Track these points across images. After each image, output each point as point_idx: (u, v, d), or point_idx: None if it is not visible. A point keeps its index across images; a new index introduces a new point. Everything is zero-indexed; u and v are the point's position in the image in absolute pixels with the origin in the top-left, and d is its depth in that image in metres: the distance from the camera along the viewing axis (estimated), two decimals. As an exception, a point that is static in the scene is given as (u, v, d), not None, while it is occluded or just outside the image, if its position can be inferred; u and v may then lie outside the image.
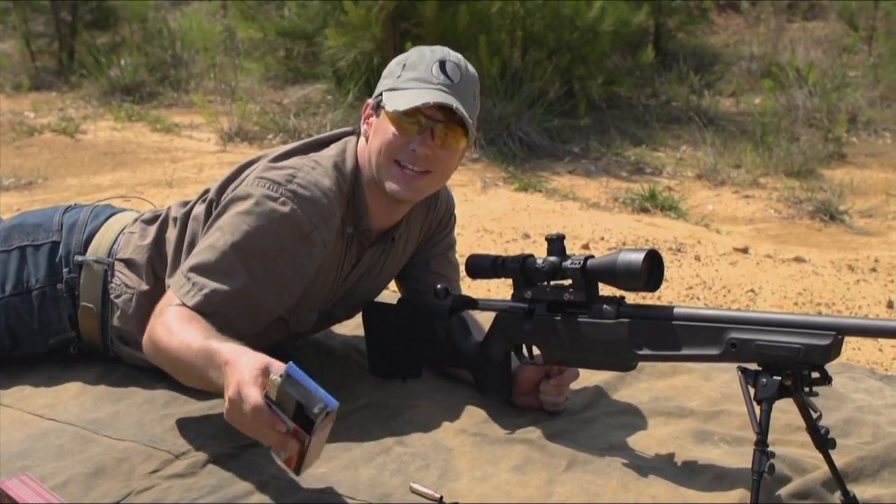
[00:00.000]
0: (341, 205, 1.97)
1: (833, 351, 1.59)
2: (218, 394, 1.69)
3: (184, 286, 1.88)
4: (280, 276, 1.91)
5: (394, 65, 2.02)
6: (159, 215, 2.21)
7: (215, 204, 2.03)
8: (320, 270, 1.99)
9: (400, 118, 1.92)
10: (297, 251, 1.91)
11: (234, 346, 1.68)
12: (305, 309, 2.08)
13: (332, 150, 2.04)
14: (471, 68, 2.01)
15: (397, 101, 1.92)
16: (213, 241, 1.90)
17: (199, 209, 2.08)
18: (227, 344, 1.70)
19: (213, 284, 1.86)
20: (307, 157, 2.00)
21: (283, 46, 7.85)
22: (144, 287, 2.12)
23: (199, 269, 1.89)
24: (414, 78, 1.95)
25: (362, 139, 2.05)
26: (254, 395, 1.56)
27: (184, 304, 1.86)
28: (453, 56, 1.99)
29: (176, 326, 1.81)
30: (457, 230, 2.39)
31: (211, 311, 1.85)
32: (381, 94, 1.98)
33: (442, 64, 1.95)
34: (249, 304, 1.90)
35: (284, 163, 1.99)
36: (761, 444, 1.57)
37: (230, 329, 1.87)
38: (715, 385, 2.20)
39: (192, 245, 2.05)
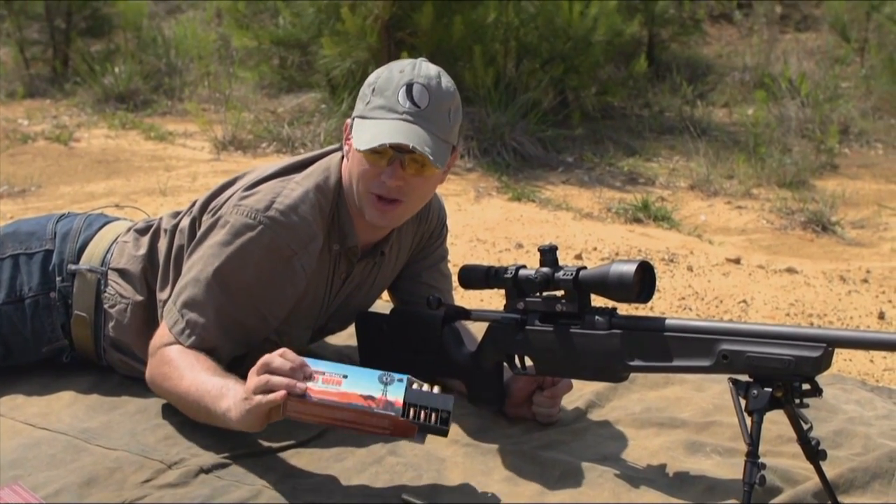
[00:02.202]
0: (324, 225, 1.97)
1: (823, 363, 1.60)
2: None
3: (178, 323, 1.93)
4: (265, 302, 1.95)
5: (366, 86, 1.96)
6: (152, 225, 2.21)
7: (198, 222, 2.05)
8: (309, 289, 2.00)
9: (367, 154, 1.89)
10: (278, 277, 1.93)
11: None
12: (298, 328, 2.09)
13: (315, 168, 2.03)
14: (444, 83, 1.92)
15: (360, 137, 1.89)
16: (196, 274, 1.93)
17: (185, 222, 2.10)
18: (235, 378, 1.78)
19: (202, 320, 1.91)
20: (287, 179, 1.99)
21: (278, 55, 7.85)
22: (139, 298, 2.13)
23: (189, 305, 1.92)
24: (380, 106, 1.90)
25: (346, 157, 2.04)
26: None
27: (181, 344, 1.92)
28: (422, 76, 1.90)
29: (184, 363, 1.88)
30: (450, 239, 2.39)
31: (209, 347, 1.91)
32: (354, 119, 1.96)
33: (409, 88, 1.88)
34: (240, 331, 1.95)
35: (263, 186, 1.98)
36: (752, 455, 1.58)
37: (225, 353, 1.95)
38: (707, 396, 2.21)
39: (178, 257, 2.07)
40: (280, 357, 1.67)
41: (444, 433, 1.68)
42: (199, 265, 1.94)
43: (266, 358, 1.68)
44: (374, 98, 1.91)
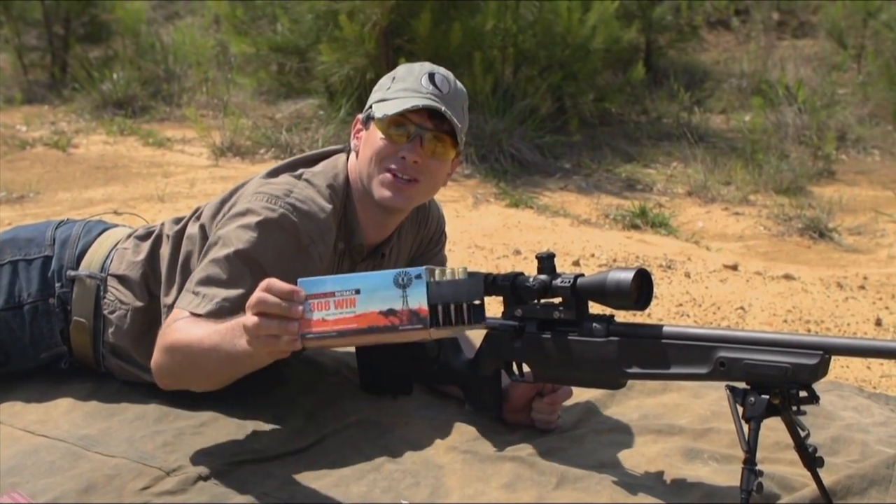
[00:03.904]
0: (335, 221, 1.99)
1: (820, 370, 1.61)
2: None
3: (192, 300, 1.89)
4: None
5: (384, 79, 2.06)
6: (152, 231, 2.22)
7: (208, 228, 2.05)
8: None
9: (389, 127, 1.95)
10: (295, 263, 1.93)
11: None
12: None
13: (324, 166, 2.06)
14: (459, 83, 2.04)
15: (386, 109, 1.95)
16: (215, 255, 1.92)
17: (193, 229, 2.09)
18: None
19: (222, 293, 1.87)
20: (300, 174, 2.03)
21: (276, 61, 7.85)
22: (139, 304, 2.13)
23: (206, 282, 1.90)
24: (403, 88, 1.98)
25: (352, 155, 2.07)
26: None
27: (195, 314, 1.86)
28: (442, 70, 2.03)
29: (192, 326, 1.83)
30: (448, 246, 2.40)
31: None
32: (370, 107, 2.01)
33: (431, 76, 1.99)
34: None
35: (278, 179, 2.01)
36: (750, 462, 1.58)
37: None
38: (704, 403, 2.21)
39: (186, 264, 2.07)
40: (269, 294, 1.59)
41: (483, 325, 1.58)
42: (217, 249, 1.93)
43: (258, 296, 1.60)
44: (396, 84, 2.00)
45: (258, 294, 1.61)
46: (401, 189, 1.97)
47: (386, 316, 1.54)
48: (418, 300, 1.53)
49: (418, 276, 1.54)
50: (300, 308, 1.57)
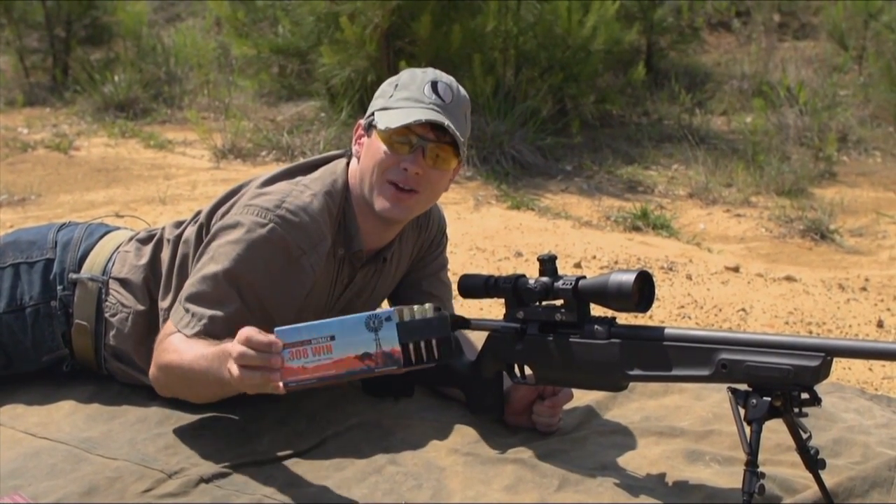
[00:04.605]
0: (331, 228, 1.99)
1: (822, 372, 1.61)
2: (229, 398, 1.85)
3: (183, 318, 1.93)
4: (271, 301, 1.95)
5: (386, 85, 2.05)
6: (154, 235, 2.22)
7: (205, 229, 2.06)
8: (312, 292, 2.01)
9: (391, 137, 1.95)
10: (286, 276, 1.93)
11: None
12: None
13: (322, 172, 2.06)
14: (462, 90, 2.04)
15: (388, 120, 1.94)
16: (205, 272, 1.94)
17: (190, 231, 2.10)
18: None
19: (209, 313, 1.90)
20: (296, 182, 2.02)
21: (277, 64, 7.85)
22: (140, 307, 2.14)
23: (193, 299, 1.93)
24: (406, 97, 1.97)
25: (353, 160, 2.07)
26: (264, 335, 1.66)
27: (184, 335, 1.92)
28: (445, 77, 2.02)
29: (184, 346, 1.88)
30: (449, 248, 2.40)
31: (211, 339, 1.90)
32: (372, 114, 2.01)
33: (434, 84, 1.98)
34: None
35: (272, 188, 2.01)
36: (751, 464, 1.59)
37: None
38: (706, 405, 2.21)
39: (182, 267, 2.07)
40: (248, 347, 1.65)
41: (449, 358, 1.71)
42: (208, 264, 1.95)
43: (239, 351, 1.66)
44: (398, 92, 1.99)
45: (238, 348, 1.67)
46: (400, 200, 1.98)
47: (362, 360, 1.65)
48: (390, 343, 1.65)
49: (388, 319, 1.65)
50: (280, 358, 1.65)
